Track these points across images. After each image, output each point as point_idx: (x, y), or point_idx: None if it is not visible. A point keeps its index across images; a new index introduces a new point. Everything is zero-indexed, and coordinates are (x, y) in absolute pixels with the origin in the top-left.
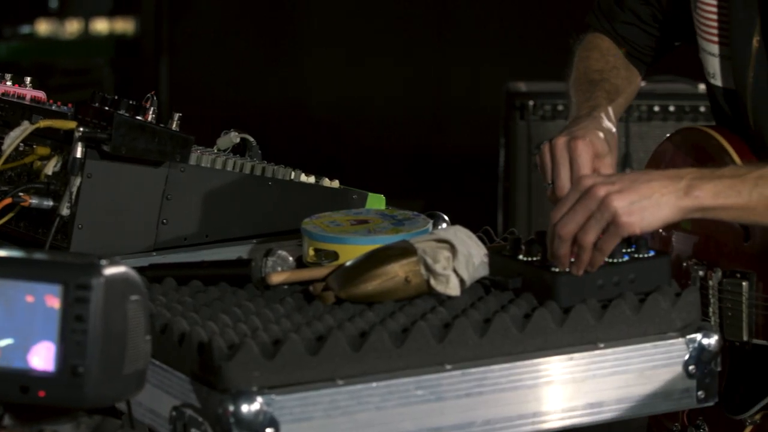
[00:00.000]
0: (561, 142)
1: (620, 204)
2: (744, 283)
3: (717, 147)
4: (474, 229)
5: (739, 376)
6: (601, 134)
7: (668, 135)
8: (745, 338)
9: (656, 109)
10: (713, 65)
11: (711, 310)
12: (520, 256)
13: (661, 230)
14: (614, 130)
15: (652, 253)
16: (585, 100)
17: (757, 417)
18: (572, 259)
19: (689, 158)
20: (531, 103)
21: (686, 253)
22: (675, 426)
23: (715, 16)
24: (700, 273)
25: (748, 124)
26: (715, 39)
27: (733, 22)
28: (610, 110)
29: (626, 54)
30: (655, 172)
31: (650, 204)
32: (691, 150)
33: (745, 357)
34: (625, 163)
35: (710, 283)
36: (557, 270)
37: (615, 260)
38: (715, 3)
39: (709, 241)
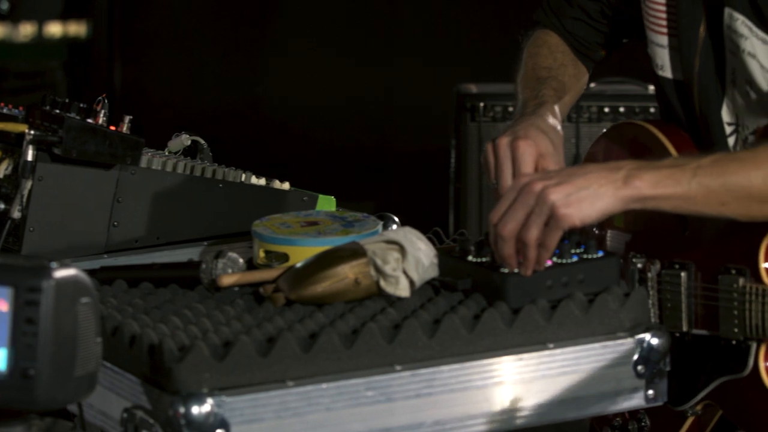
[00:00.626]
0: (504, 141)
1: (557, 196)
2: (683, 274)
3: (654, 140)
4: (425, 230)
5: (679, 367)
6: (545, 133)
7: (604, 131)
8: (684, 329)
9: (606, 110)
10: (662, 57)
11: (651, 301)
12: (470, 257)
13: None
14: (559, 128)
15: (601, 254)
16: (531, 98)
17: (698, 408)
18: (520, 260)
19: (625, 153)
20: (481, 104)
21: (626, 246)
22: (617, 420)
23: (663, 7)
24: (639, 265)
25: (695, 114)
26: (664, 30)
27: (680, 13)
28: (556, 108)
29: (574, 50)
30: (593, 164)
31: (588, 195)
32: (628, 144)
33: (685, 347)
34: (575, 164)
35: (649, 274)
36: (506, 271)
37: (564, 261)
38: None
39: (647, 233)
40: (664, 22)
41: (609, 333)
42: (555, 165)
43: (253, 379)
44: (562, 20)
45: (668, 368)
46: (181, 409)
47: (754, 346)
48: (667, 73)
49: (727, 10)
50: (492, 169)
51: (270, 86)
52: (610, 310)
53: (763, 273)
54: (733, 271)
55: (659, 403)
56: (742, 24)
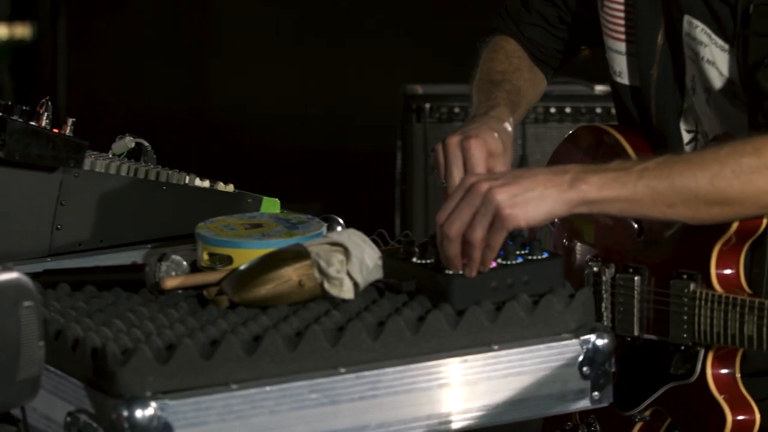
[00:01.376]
0: (454, 141)
1: (503, 197)
2: (636, 278)
3: (614, 145)
4: (370, 232)
5: (629, 372)
6: (496, 133)
7: (568, 134)
8: (636, 333)
9: (552, 110)
10: (620, 63)
11: (603, 305)
12: (414, 259)
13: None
14: (510, 129)
15: (545, 255)
16: (484, 100)
17: (647, 413)
18: (465, 261)
19: (587, 157)
20: (427, 105)
21: (582, 251)
22: (568, 425)
23: (621, 14)
24: (594, 269)
25: (652, 122)
26: (622, 37)
27: (638, 20)
28: (508, 111)
29: (532, 57)
30: (541, 167)
31: (533, 197)
32: (589, 149)
33: (636, 352)
34: (521, 165)
35: (603, 278)
36: (450, 272)
37: (508, 262)
38: (621, 0)
39: (604, 237)
40: (622, 29)
41: (554, 334)
42: (504, 165)
43: (196, 382)
44: (520, 26)
45: (613, 369)
46: (125, 413)
47: (702, 352)
48: (624, 79)
49: (686, 18)
50: (442, 169)
51: (215, 88)
52: (555, 311)
53: (714, 279)
54: (685, 276)
55: (605, 405)
56: (701, 31)
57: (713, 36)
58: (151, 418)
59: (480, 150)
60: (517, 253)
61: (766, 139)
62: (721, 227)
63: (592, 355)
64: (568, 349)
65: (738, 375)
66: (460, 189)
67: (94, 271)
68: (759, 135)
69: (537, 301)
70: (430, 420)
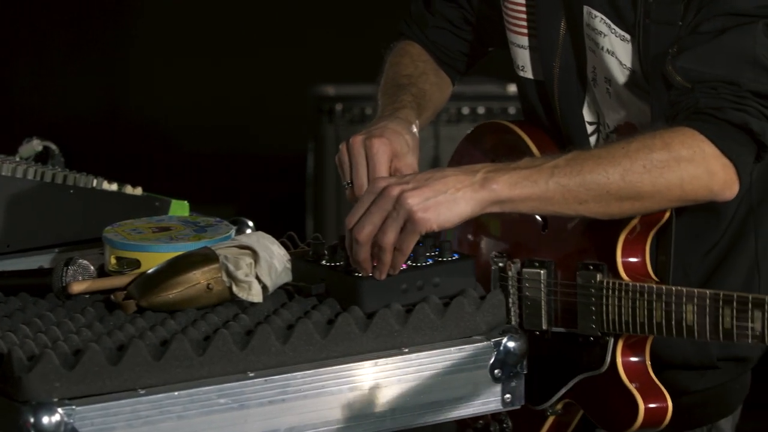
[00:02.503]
0: (358, 140)
1: (415, 201)
2: (542, 271)
3: (516, 140)
4: (281, 234)
5: (539, 366)
6: (400, 133)
7: (469, 131)
8: (544, 326)
9: (465, 111)
10: (523, 57)
11: (511, 300)
12: (324, 261)
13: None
14: (416, 130)
15: (456, 256)
16: (389, 103)
17: (559, 407)
18: (375, 264)
19: (490, 153)
20: (339, 106)
21: (487, 247)
22: (479, 423)
23: (523, 8)
24: (500, 264)
25: (556, 114)
26: (524, 31)
27: (539, 13)
28: (414, 113)
29: (437, 60)
30: (450, 168)
31: (445, 199)
32: (492, 145)
33: (545, 346)
34: (434, 166)
35: (509, 273)
36: (360, 275)
37: (418, 264)
38: None
39: (508, 233)
40: (524, 23)
41: (465, 336)
42: (409, 165)
43: (104, 387)
44: (424, 30)
45: (525, 371)
46: (31, 419)
47: (611, 341)
48: (528, 73)
49: (586, 8)
50: (346, 169)
51: (123, 90)
52: (466, 313)
53: (621, 268)
54: (591, 267)
55: (517, 407)
56: (600, 21)
57: (613, 26)
58: (58, 424)
59: (384, 149)
60: (428, 254)
61: (674, 133)
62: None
63: (504, 357)
64: (479, 352)
65: (648, 363)
66: (370, 193)
67: (0, 275)
68: (667, 128)
69: (447, 303)
70: (340, 424)
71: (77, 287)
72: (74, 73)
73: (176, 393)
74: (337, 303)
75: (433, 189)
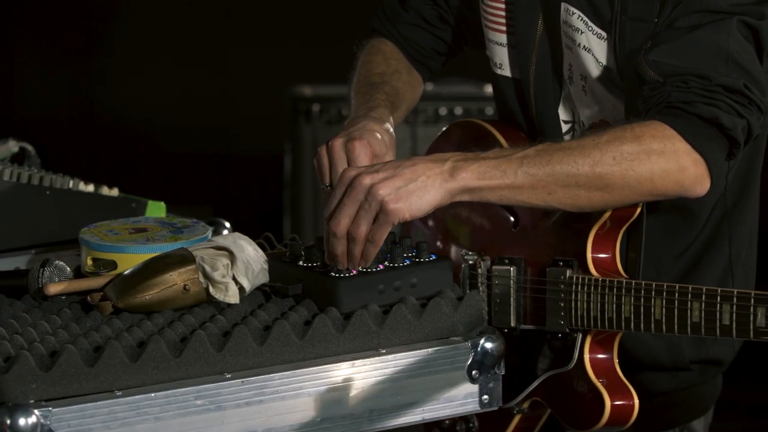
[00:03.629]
0: (338, 143)
1: (386, 191)
2: (512, 269)
3: (489, 138)
4: (257, 235)
5: (507, 364)
6: (379, 134)
7: (443, 130)
8: (512, 324)
9: (443, 112)
10: (501, 55)
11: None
12: (301, 262)
13: (430, 222)
14: (392, 130)
15: (433, 257)
16: (363, 102)
17: (525, 405)
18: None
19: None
20: (316, 107)
21: (458, 244)
22: (445, 422)
23: (502, 5)
24: (470, 261)
25: (532, 112)
26: (503, 28)
27: (517, 10)
28: (388, 112)
29: (410, 58)
30: (420, 157)
31: (416, 188)
32: (464, 143)
33: (513, 344)
34: None
35: (479, 270)
36: (337, 275)
37: (396, 264)
38: None
39: (479, 230)
40: (503, 20)
41: (442, 337)
42: None
43: (80, 389)
44: (397, 26)
45: (503, 372)
46: (7, 421)
47: (579, 337)
48: (505, 71)
49: (563, 5)
50: (326, 172)
51: (99, 90)
52: (444, 314)
53: (590, 263)
54: (561, 263)
55: (494, 408)
56: (578, 19)
57: (590, 23)
58: (35, 425)
59: (364, 152)
60: (405, 255)
61: (645, 126)
62: (596, 212)
63: (481, 359)
64: (456, 352)
65: (616, 360)
66: (342, 184)
67: None
68: (639, 122)
69: (425, 303)
70: (318, 425)
71: (53, 288)
72: (50, 73)
73: (153, 394)
74: (314, 304)
75: (403, 178)
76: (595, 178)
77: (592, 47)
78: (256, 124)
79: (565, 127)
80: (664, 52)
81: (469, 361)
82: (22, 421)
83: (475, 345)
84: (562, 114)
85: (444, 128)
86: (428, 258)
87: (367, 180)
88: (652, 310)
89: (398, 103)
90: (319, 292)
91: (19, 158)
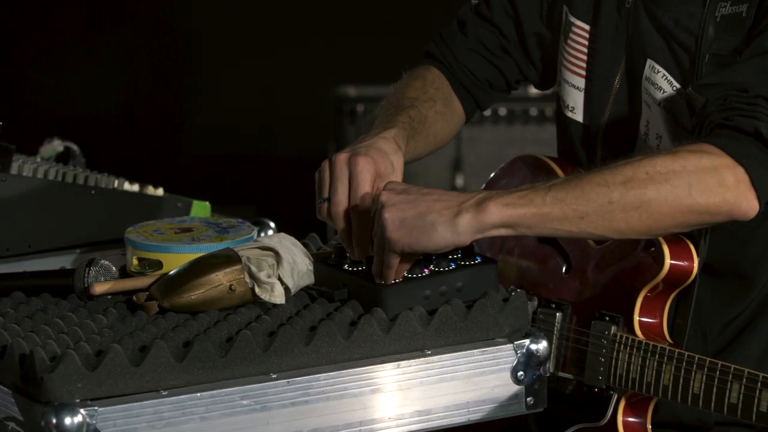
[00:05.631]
0: (342, 158)
1: (389, 217)
2: (558, 314)
3: (552, 176)
4: (302, 235)
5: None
6: (386, 154)
7: (505, 163)
8: (551, 370)
9: (487, 113)
10: (575, 99)
11: None
12: (346, 266)
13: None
14: (401, 151)
15: (479, 260)
16: (382, 123)
17: None
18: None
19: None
20: (360, 107)
21: (506, 279)
22: None
23: (585, 49)
24: None
25: (597, 161)
26: (582, 72)
27: (597, 58)
28: (404, 134)
29: (459, 85)
30: (453, 192)
31: (422, 224)
32: (527, 178)
33: (548, 390)
34: (456, 168)
35: None
36: (382, 281)
37: (440, 269)
38: (586, 36)
39: (529, 267)
40: (583, 64)
41: (488, 339)
42: None
43: (126, 388)
44: (453, 50)
45: (548, 374)
46: (53, 420)
47: (615, 397)
48: (577, 116)
49: (648, 62)
50: (326, 186)
51: (144, 90)
52: (489, 315)
53: (636, 324)
54: (607, 318)
55: (539, 410)
56: (662, 77)
57: (674, 83)
58: (80, 425)
59: (368, 168)
60: (450, 258)
61: (682, 146)
62: (650, 272)
63: (527, 360)
64: (502, 354)
65: (649, 426)
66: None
67: (22, 276)
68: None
69: (470, 305)
70: (362, 426)
71: (99, 288)
72: (95, 73)
73: (199, 394)
74: (359, 305)
75: (415, 209)
76: (629, 196)
77: (674, 108)
78: (301, 125)
79: None
80: (711, 76)
81: (515, 362)
82: (68, 421)
83: (520, 346)
84: None
85: (507, 161)
86: (473, 261)
87: (384, 197)
88: (691, 383)
89: (421, 129)
90: (364, 297)
91: (64, 158)
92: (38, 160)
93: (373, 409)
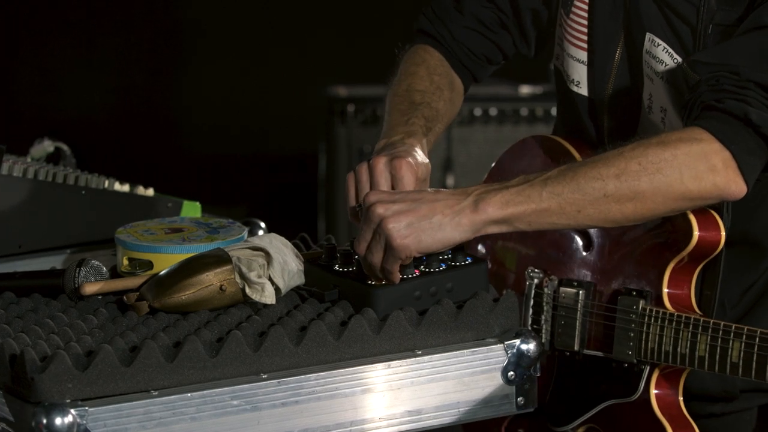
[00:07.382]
0: (382, 161)
1: (394, 226)
2: (581, 292)
3: (566, 156)
4: (293, 235)
5: (565, 387)
6: (423, 159)
7: (512, 145)
8: (576, 348)
9: (477, 113)
10: (579, 73)
11: (543, 318)
12: (336, 267)
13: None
14: (427, 161)
15: (469, 260)
16: (401, 123)
17: (580, 430)
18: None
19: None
20: (351, 107)
21: (524, 260)
22: None
23: (585, 22)
24: (536, 280)
25: (604, 138)
26: (584, 46)
27: (596, 32)
28: (424, 140)
29: (457, 63)
30: (444, 191)
31: (429, 226)
32: (539, 159)
33: (574, 367)
34: (446, 168)
35: (545, 290)
36: (373, 282)
37: (431, 269)
38: (585, 9)
39: (547, 247)
40: (585, 37)
41: (478, 339)
42: None
43: (116, 389)
44: (449, 27)
45: (538, 374)
46: (44, 420)
47: (646, 370)
48: (582, 90)
49: (648, 36)
50: (365, 189)
51: (135, 90)
52: (479, 315)
53: (666, 297)
54: (635, 293)
55: (529, 410)
56: (663, 50)
57: (675, 55)
58: (71, 425)
59: (411, 171)
60: (440, 258)
61: (675, 132)
62: (678, 245)
63: (517, 360)
64: (492, 354)
65: (681, 397)
66: (363, 207)
67: (13, 276)
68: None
69: (461, 305)
70: (353, 426)
71: (90, 288)
72: (85, 73)
73: (189, 394)
74: (350, 305)
75: (417, 214)
76: (623, 188)
77: (676, 80)
78: (291, 125)
79: None
80: (706, 53)
81: (505, 362)
82: (58, 421)
83: (510, 346)
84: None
85: (514, 142)
86: (464, 261)
87: (380, 210)
88: (730, 353)
89: (434, 126)
90: (354, 298)
91: (54, 158)
92: (29, 160)
93: (364, 410)
